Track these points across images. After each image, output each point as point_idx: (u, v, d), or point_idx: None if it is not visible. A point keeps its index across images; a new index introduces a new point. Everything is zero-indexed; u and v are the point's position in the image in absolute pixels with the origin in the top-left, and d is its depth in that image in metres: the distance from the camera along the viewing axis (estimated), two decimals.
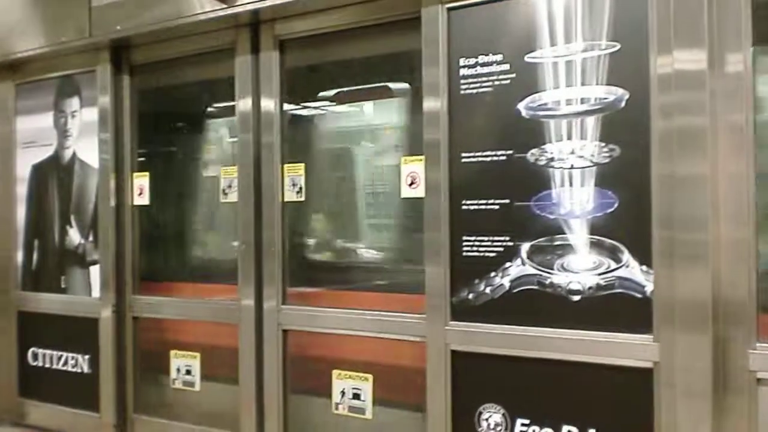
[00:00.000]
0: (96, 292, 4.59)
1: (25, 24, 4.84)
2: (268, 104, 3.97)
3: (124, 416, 4.52)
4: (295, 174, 3.89)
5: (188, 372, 4.26)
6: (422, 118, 3.34)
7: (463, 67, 3.24)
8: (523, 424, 3.10)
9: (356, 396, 3.66)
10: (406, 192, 3.51)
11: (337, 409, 3.72)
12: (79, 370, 4.70)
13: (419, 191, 3.44)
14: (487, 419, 3.19)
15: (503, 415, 3.15)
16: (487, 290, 3.18)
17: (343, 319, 3.70)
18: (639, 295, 2.85)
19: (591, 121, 2.94)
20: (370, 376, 3.62)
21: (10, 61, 4.98)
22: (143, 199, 4.50)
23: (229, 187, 4.12)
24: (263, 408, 3.94)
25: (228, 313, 4.08)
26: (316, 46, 3.91)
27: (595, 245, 2.93)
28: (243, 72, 4.03)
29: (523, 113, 3.08)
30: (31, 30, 4.80)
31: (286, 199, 3.92)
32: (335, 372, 3.72)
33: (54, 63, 4.84)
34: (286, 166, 3.92)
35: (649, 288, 2.82)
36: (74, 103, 4.77)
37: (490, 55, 3.18)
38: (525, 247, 3.08)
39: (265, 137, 3.97)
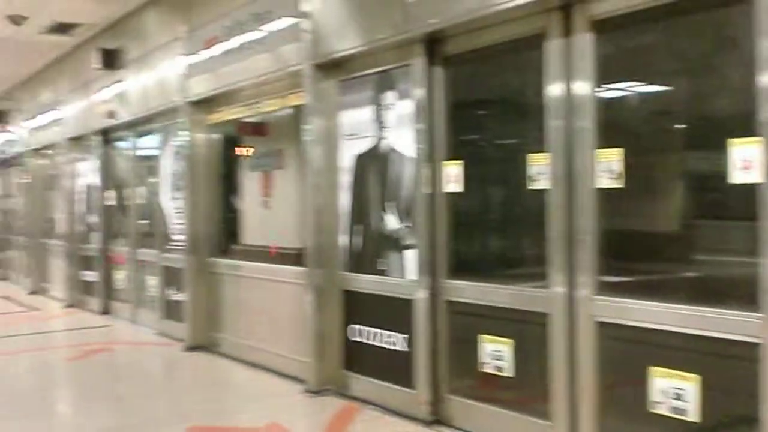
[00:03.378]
0: (411, 275, 4.83)
1: (345, 25, 5.23)
2: (581, 88, 3.85)
3: (437, 395, 4.71)
4: (610, 160, 3.73)
5: (498, 357, 4.31)
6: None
7: None
8: None
9: (678, 396, 3.43)
10: (739, 177, 3.19)
11: (655, 408, 3.52)
12: (396, 348, 4.99)
13: (754, 176, 3.11)
14: None
15: None
16: None
17: (659, 313, 3.49)
18: None
19: None
20: (695, 377, 3.37)
21: (334, 60, 5.42)
22: (455, 187, 4.62)
23: (539, 174, 4.07)
24: (576, 398, 3.87)
25: (538, 302, 4.06)
26: (633, 26, 3.71)
27: None
28: (554, 56, 3.96)
29: None
30: (351, 30, 5.17)
31: (600, 186, 3.78)
32: (654, 369, 3.52)
33: (372, 59, 5.17)
34: (599, 151, 3.78)
35: None
36: (391, 96, 5.04)
37: None
38: None
39: (577, 122, 3.87)
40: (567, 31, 3.91)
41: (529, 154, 4.14)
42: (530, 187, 4.14)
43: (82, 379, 6.48)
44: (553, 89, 3.96)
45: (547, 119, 4.00)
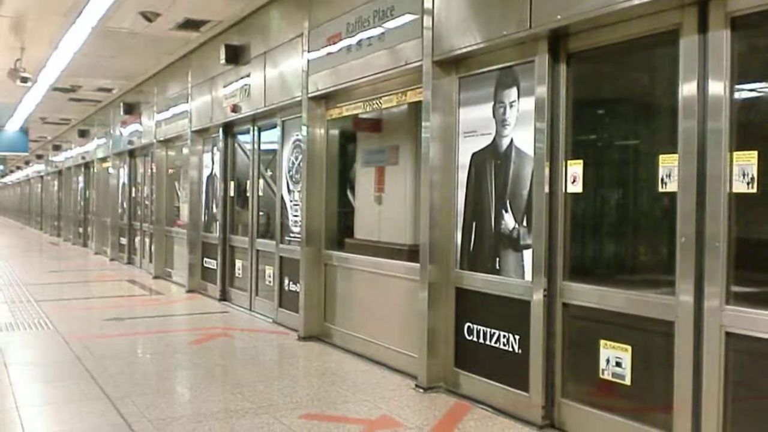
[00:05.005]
0: (528, 276, 4.76)
1: (466, 21, 5.19)
2: (716, 87, 3.68)
3: (551, 399, 4.62)
4: (746, 163, 3.55)
5: (618, 364, 4.18)
6: None
7: None
8: None
9: None
10: None
11: None
12: (509, 349, 4.93)
13: None
14: None
15: None
16: None
17: None
18: None
19: None
20: None
21: (454, 57, 5.39)
22: (576, 187, 4.52)
23: (668, 176, 3.92)
24: (700, 411, 3.71)
25: (663, 309, 3.91)
26: None
27: None
28: (688, 54, 3.80)
29: None
30: (473, 27, 5.13)
31: (733, 190, 3.60)
32: None
33: (493, 56, 5.12)
34: (735, 154, 3.60)
35: None
36: (512, 93, 4.98)
37: None
38: None
39: (710, 123, 3.70)
40: (702, 28, 3.75)
41: (659, 156, 3.99)
42: (657, 190, 3.99)
43: (201, 362, 6.75)
44: (686, 88, 3.81)
45: (678, 119, 3.85)
